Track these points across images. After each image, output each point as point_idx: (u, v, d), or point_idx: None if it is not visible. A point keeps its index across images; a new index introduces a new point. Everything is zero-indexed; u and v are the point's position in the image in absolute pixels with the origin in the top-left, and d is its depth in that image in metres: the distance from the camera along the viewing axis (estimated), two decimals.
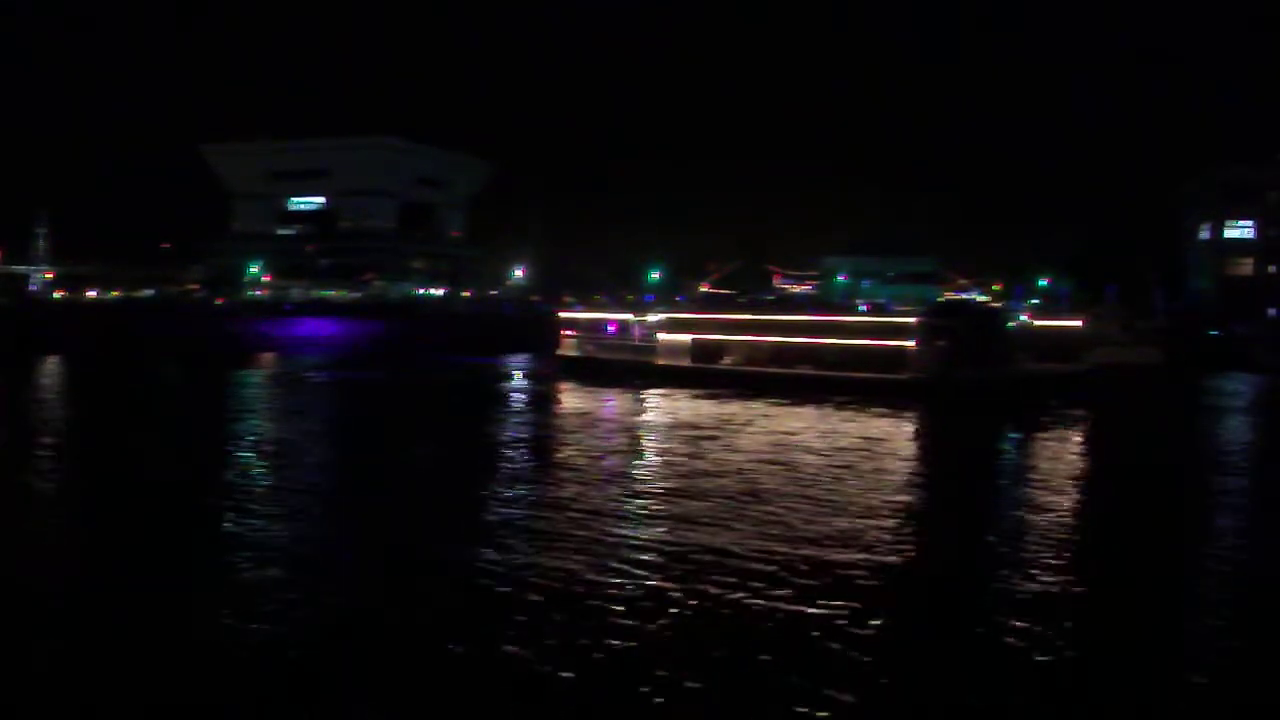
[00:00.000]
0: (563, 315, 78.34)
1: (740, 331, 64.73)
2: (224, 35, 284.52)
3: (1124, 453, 41.04)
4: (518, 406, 56.99)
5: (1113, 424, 49.78)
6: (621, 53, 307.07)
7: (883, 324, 59.88)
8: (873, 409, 49.96)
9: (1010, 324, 62.30)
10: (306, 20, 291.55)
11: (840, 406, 51.20)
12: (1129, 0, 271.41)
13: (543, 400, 58.35)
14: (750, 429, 43.75)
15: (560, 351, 73.72)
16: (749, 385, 58.64)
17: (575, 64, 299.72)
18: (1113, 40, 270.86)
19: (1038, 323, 71.00)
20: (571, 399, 58.40)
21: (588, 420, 48.28)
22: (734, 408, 51.39)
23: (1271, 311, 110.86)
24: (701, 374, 62.63)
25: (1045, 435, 43.26)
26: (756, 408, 51.07)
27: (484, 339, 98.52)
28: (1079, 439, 43.48)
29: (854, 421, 46.37)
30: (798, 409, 50.58)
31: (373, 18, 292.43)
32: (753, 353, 62.85)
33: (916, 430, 45.23)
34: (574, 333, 73.81)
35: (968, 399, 52.53)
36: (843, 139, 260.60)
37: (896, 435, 43.22)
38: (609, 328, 71.38)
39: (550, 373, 71.43)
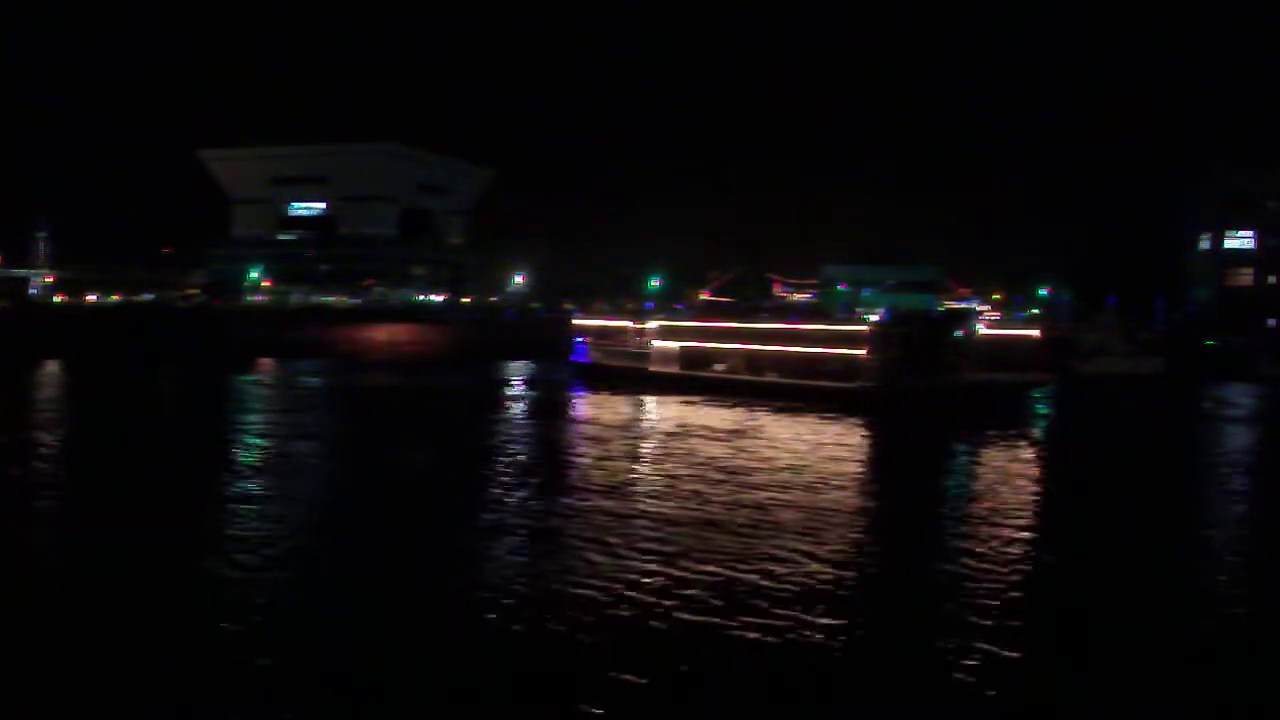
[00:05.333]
0: (575, 322, 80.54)
1: (722, 339, 65.57)
2: (225, 40, 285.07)
3: (1042, 466, 39.23)
4: (523, 414, 56.87)
5: (1052, 436, 48.68)
6: (623, 60, 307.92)
7: (838, 333, 60.42)
8: (823, 417, 50.25)
9: (958, 333, 61.48)
10: (308, 26, 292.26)
11: (795, 414, 51.53)
12: (1130, 9, 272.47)
13: (551, 407, 58.26)
14: (686, 438, 43.61)
15: (572, 358, 75.09)
16: (724, 392, 59.76)
17: (576, 71, 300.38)
18: (1114, 48, 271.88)
19: (992, 332, 69.62)
20: (581, 407, 58.76)
21: (596, 431, 48.45)
22: (684, 414, 52.41)
23: (1271, 322, 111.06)
24: (687, 381, 63.74)
25: (977, 447, 41.86)
26: (705, 414, 52.15)
27: (487, 345, 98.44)
28: (1007, 451, 41.49)
29: (793, 430, 46.32)
30: (754, 417, 50.68)
31: (374, 24, 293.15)
32: (736, 360, 63.69)
33: (850, 440, 44.23)
34: (585, 339, 75.06)
35: (914, 408, 52.54)
36: (844, 148, 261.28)
37: (826, 446, 41.71)
38: (634, 334, 72.20)
39: (562, 379, 72.07)
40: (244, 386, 67.17)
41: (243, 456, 38.06)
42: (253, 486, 31.55)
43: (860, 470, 36.92)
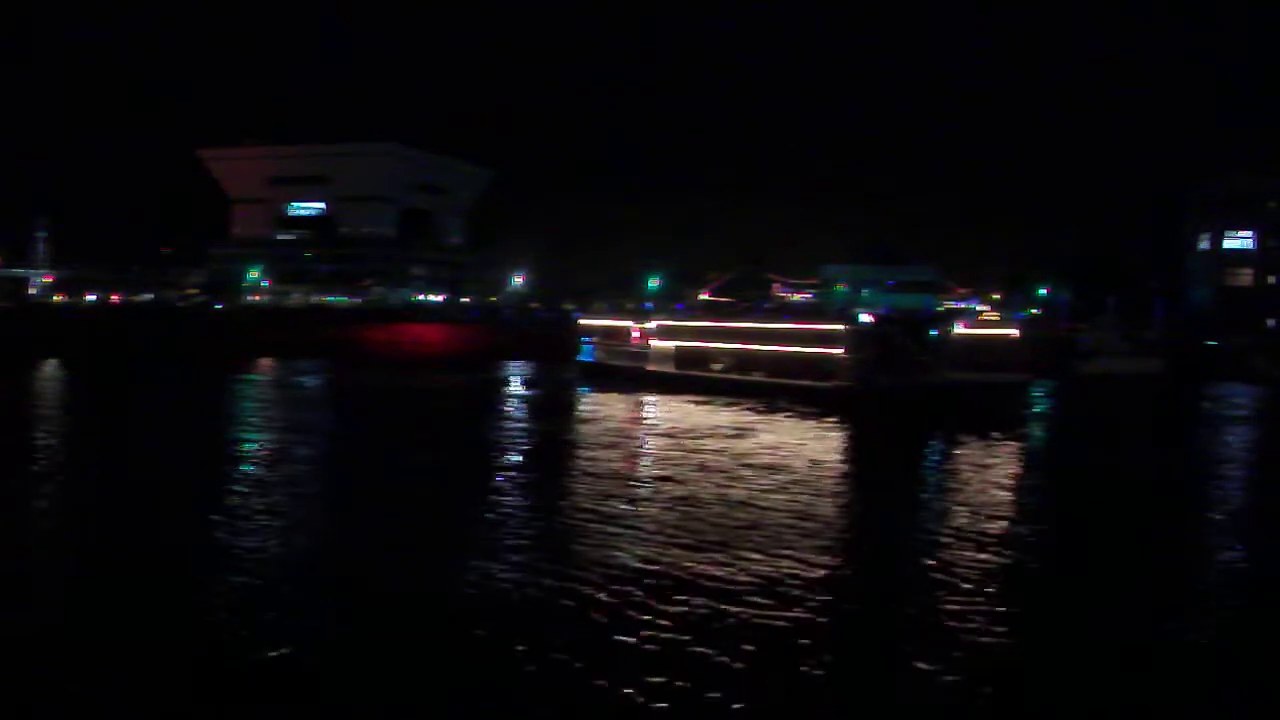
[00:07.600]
0: (581, 322, 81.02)
1: (716, 339, 65.72)
2: (225, 40, 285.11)
3: (1006, 468, 38.28)
4: (523, 414, 56.94)
5: (1024, 437, 47.87)
6: (623, 60, 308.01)
7: (818, 332, 60.33)
8: (795, 417, 50.57)
9: (933, 333, 61.51)
10: (307, 27, 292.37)
11: (767, 414, 51.77)
12: (1132, 9, 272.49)
13: (556, 407, 58.42)
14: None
15: (579, 358, 75.53)
16: (713, 391, 60.22)
17: (575, 71, 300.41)
18: (1114, 49, 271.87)
19: (970, 331, 69.19)
20: (584, 405, 59.27)
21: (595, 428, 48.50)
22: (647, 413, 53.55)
23: (1271, 322, 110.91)
24: (682, 380, 64.07)
25: (947, 448, 41.48)
26: (670, 414, 52.69)
27: (486, 345, 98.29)
28: (978, 452, 40.51)
29: (762, 431, 46.36)
30: (738, 418, 50.88)
31: (373, 25, 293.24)
32: (730, 359, 63.96)
33: (802, 441, 43.70)
34: (591, 339, 75.44)
35: (888, 408, 52.44)
36: (843, 148, 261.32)
37: (786, 446, 41.42)
38: (634, 334, 72.42)
39: (568, 378, 72.52)
40: (243, 386, 67.16)
41: (242, 457, 38.06)
42: (252, 488, 31.54)
43: (790, 475, 34.37)
